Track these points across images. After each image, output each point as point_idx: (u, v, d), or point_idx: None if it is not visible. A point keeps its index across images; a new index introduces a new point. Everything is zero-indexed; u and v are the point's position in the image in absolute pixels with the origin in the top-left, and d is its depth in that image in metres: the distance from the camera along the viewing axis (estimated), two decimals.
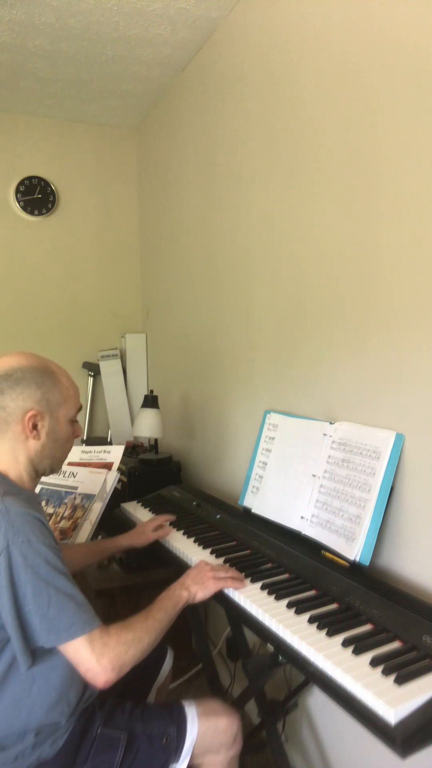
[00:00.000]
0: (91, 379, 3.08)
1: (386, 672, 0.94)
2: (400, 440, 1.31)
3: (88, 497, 2.02)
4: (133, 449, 2.56)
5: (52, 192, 2.96)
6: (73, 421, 1.28)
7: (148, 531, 1.63)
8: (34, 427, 1.19)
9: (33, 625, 1.03)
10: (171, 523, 1.74)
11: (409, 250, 1.28)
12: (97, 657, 1.03)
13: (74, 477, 2.11)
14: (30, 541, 1.05)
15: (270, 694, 1.72)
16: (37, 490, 1.88)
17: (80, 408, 1.30)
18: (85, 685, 1.21)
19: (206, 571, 1.29)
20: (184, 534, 1.64)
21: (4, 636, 1.06)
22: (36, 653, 1.07)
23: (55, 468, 1.28)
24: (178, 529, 1.68)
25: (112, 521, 2.01)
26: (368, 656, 0.99)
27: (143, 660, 1.12)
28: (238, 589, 1.27)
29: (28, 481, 1.22)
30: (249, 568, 1.36)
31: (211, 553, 1.49)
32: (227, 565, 1.38)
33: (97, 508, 1.96)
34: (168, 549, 1.60)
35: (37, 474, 1.25)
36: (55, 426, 1.22)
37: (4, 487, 1.14)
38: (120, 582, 2.09)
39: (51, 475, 2.09)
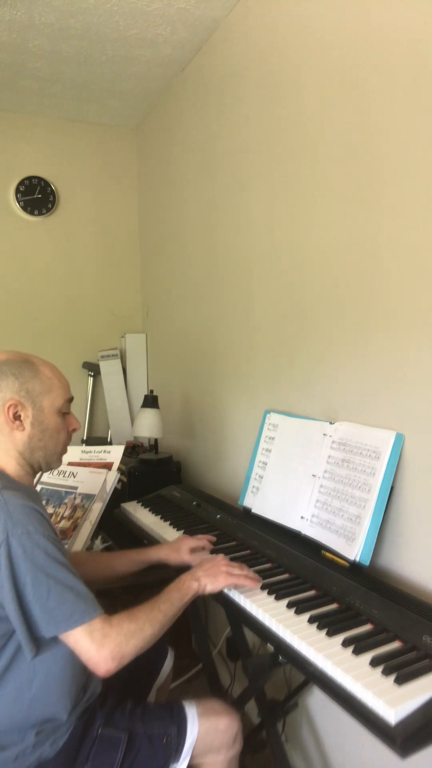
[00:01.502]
0: (91, 379, 3.08)
1: (386, 672, 0.94)
2: (400, 440, 1.31)
3: (88, 497, 2.02)
4: (133, 449, 2.56)
5: (52, 192, 2.96)
6: (65, 413, 1.27)
7: (184, 551, 1.46)
8: (17, 417, 1.19)
9: (34, 614, 1.04)
10: (170, 523, 1.74)
11: (409, 250, 1.28)
12: (96, 647, 1.04)
13: (74, 477, 2.11)
14: (29, 532, 1.05)
15: (270, 694, 1.72)
16: (37, 489, 1.88)
17: (71, 399, 1.28)
18: (86, 681, 1.22)
19: (221, 564, 1.27)
20: (184, 534, 1.63)
21: (8, 628, 1.07)
22: (40, 642, 1.07)
23: (50, 461, 1.26)
24: (178, 530, 1.68)
25: (112, 521, 2.01)
26: (368, 656, 0.99)
27: (144, 660, 1.12)
28: (251, 588, 1.25)
29: (25, 476, 1.23)
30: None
31: (211, 553, 1.49)
32: (244, 564, 1.33)
33: (97, 508, 1.96)
34: None
35: (32, 468, 1.24)
36: (40, 416, 1.21)
37: (2, 482, 1.14)
38: (120, 582, 2.08)
39: (51, 475, 2.12)
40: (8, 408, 1.17)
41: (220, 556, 1.31)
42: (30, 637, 1.04)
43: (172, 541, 1.54)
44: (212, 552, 1.49)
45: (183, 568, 1.46)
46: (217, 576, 1.24)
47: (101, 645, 1.04)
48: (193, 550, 1.47)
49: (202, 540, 1.51)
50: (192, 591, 1.22)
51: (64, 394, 1.26)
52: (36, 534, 1.05)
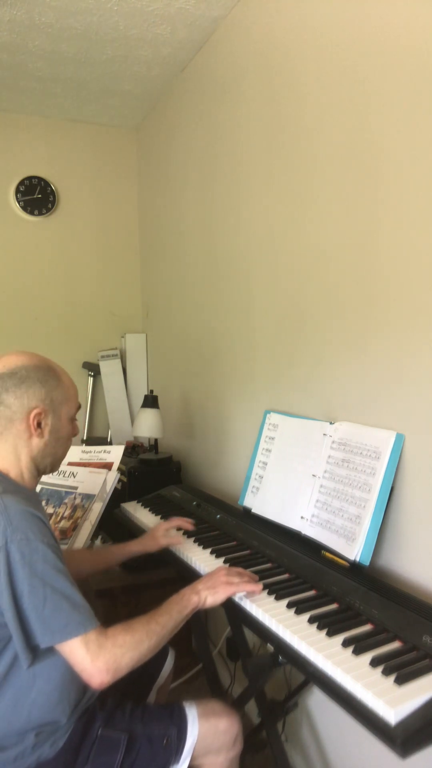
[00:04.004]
0: (91, 379, 3.08)
1: (386, 672, 0.94)
2: (400, 440, 1.31)
3: (88, 497, 2.02)
4: (133, 449, 2.56)
5: (52, 192, 2.96)
6: (73, 420, 1.30)
7: (159, 536, 1.59)
8: (39, 425, 1.20)
9: (31, 623, 1.03)
10: None
11: (409, 250, 1.28)
12: (91, 658, 1.03)
13: (74, 477, 2.11)
14: (28, 538, 1.05)
15: (270, 694, 1.72)
16: (37, 489, 1.88)
17: (79, 407, 1.32)
18: (85, 685, 1.21)
19: (220, 575, 1.26)
20: (184, 534, 1.63)
21: (6, 634, 1.06)
22: (36, 651, 1.07)
23: (55, 466, 1.29)
24: (177, 530, 1.68)
25: (112, 521, 2.01)
26: (368, 656, 0.99)
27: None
28: (252, 593, 1.24)
29: (29, 480, 1.23)
30: (249, 569, 1.36)
31: (212, 553, 1.49)
32: (244, 569, 1.33)
33: (97, 508, 1.96)
34: (168, 549, 1.60)
35: (38, 472, 1.25)
36: (58, 424, 1.24)
37: (3, 486, 1.14)
38: (120, 582, 2.08)
39: (51, 475, 2.12)
40: (34, 416, 1.19)
41: (219, 568, 1.30)
42: (26, 646, 1.04)
43: (148, 531, 1.63)
44: (212, 552, 1.49)
45: (184, 570, 1.46)
46: (216, 587, 1.23)
47: (96, 656, 1.03)
48: (167, 533, 1.59)
49: (175, 521, 1.62)
50: (192, 604, 1.21)
51: (76, 403, 1.30)
52: (35, 540, 1.05)
